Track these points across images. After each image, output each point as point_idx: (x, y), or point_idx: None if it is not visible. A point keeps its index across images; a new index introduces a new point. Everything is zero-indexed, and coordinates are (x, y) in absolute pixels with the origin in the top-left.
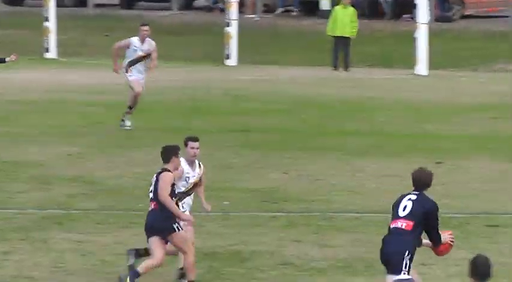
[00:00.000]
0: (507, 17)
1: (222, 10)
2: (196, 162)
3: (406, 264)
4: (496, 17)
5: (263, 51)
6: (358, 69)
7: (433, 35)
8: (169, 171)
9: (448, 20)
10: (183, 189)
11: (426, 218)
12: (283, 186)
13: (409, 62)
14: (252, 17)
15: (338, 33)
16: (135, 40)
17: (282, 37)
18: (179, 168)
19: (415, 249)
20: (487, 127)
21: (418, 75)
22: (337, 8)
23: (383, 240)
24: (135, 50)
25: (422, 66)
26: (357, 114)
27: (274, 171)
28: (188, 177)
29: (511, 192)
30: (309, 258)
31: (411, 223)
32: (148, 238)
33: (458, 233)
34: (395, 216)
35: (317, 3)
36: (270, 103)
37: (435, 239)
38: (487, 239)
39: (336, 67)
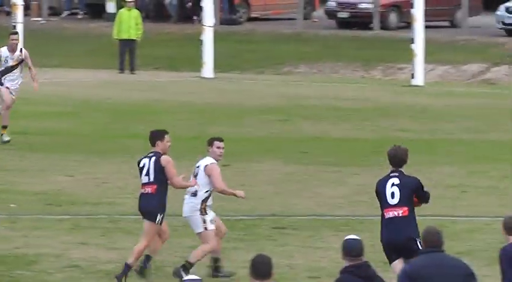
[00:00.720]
0: (294, 19)
1: (8, 13)
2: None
3: (419, 246)
4: (283, 19)
5: (49, 54)
6: (145, 72)
7: (219, 37)
8: (163, 154)
9: (234, 23)
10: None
11: (416, 195)
12: (68, 189)
13: (196, 64)
14: (38, 20)
15: (124, 36)
16: (3, 50)
17: (68, 40)
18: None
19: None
20: (276, 129)
21: (204, 78)
22: (122, 10)
23: (386, 229)
24: (6, 60)
25: (208, 69)
26: (143, 117)
27: (59, 174)
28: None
29: (298, 194)
30: (96, 261)
31: (406, 208)
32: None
33: (244, 236)
34: (387, 205)
35: (103, 6)
36: (54, 106)
37: (425, 199)
38: (274, 242)
39: (122, 70)
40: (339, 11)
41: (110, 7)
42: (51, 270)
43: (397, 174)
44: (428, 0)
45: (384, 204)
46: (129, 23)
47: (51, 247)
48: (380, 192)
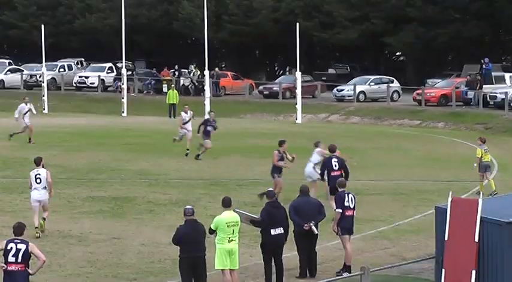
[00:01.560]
0: (244, 94)
1: (118, 91)
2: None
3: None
4: (239, 94)
5: (139, 110)
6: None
7: (212, 102)
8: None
9: (219, 95)
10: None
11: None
12: None
13: (202, 113)
14: (133, 95)
15: (171, 102)
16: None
17: (147, 103)
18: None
19: None
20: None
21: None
22: (170, 90)
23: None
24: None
25: (207, 115)
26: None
27: None
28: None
29: None
30: None
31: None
32: None
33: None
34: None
35: (162, 88)
36: (139, 131)
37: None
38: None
39: (170, 116)
40: (264, 90)
41: (165, 88)
42: None
43: (336, 160)
44: (303, 86)
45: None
46: (173, 96)
47: None
48: (327, 166)
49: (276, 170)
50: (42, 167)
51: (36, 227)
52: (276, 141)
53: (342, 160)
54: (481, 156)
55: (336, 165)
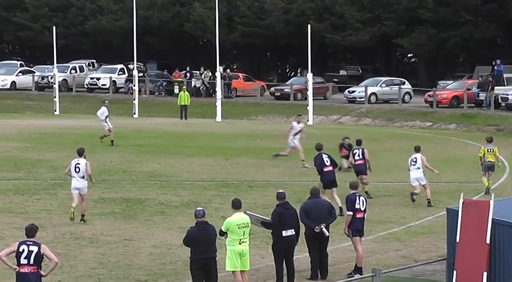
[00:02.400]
0: (255, 95)
1: (130, 93)
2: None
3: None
4: (250, 95)
5: (151, 111)
6: (191, 119)
7: (224, 103)
8: None
9: (230, 97)
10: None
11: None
12: None
13: (213, 115)
14: (144, 97)
15: (182, 103)
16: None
17: (159, 105)
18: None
19: None
20: (244, 144)
21: (217, 121)
22: (181, 92)
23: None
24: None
25: (218, 117)
26: (194, 138)
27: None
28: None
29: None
30: None
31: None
32: None
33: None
34: (325, 166)
35: (173, 90)
36: (150, 132)
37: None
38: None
39: (181, 118)
40: (275, 92)
41: (176, 90)
42: None
43: (327, 154)
44: (314, 87)
45: (324, 166)
46: (184, 97)
47: None
48: (318, 163)
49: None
50: (84, 157)
51: (73, 208)
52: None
53: (332, 158)
54: (484, 155)
55: (327, 161)
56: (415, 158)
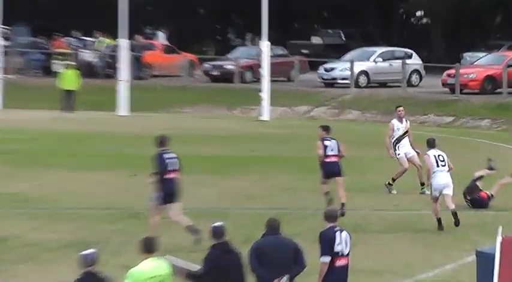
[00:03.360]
0: (181, 76)
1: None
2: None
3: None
4: (173, 76)
5: (18, 99)
6: (79, 112)
7: (132, 88)
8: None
9: (141, 78)
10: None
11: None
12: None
13: (113, 106)
14: (12, 77)
15: (67, 87)
16: (394, 121)
17: (30, 90)
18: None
19: None
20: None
21: (120, 115)
22: (66, 70)
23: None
24: (398, 129)
25: (123, 109)
26: (81, 141)
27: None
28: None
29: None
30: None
31: None
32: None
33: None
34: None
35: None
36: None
37: None
38: None
39: (63, 110)
40: (212, 70)
41: (58, 67)
42: None
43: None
44: (272, 63)
45: None
46: (70, 78)
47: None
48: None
49: None
50: None
51: None
52: (232, 147)
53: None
54: None
55: (332, 149)
56: (441, 155)
